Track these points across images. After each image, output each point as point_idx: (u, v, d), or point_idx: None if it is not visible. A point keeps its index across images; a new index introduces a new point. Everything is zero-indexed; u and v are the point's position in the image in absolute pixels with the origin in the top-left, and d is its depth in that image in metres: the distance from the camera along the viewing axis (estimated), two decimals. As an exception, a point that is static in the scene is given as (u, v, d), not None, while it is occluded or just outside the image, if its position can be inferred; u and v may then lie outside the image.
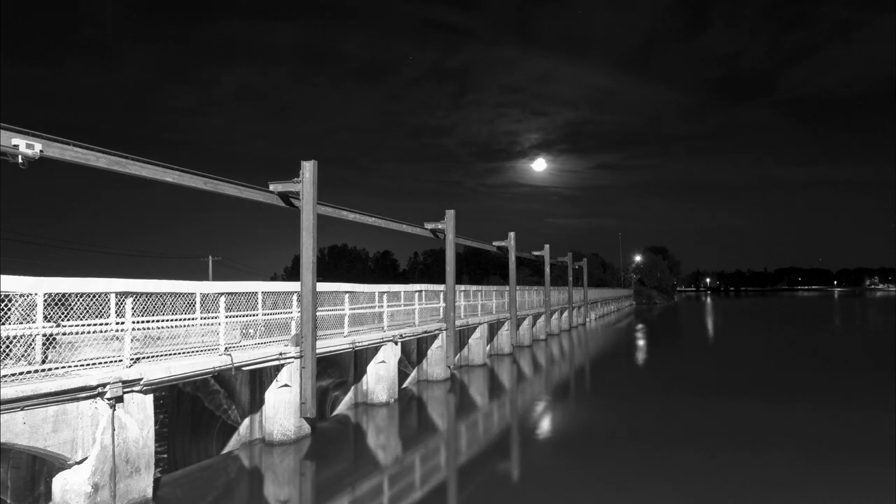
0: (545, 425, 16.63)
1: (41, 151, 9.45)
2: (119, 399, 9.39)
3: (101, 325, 9.71)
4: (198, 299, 11.85)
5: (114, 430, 9.32)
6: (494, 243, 33.97)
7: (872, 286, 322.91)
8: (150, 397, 10.08)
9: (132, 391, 9.65)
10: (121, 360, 9.84)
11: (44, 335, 8.96)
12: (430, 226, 24.24)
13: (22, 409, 8.12)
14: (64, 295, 9.16)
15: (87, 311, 9.51)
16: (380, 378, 18.46)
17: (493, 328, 32.04)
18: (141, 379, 9.76)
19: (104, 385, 9.11)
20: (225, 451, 13.39)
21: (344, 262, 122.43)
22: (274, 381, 13.93)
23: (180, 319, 11.53)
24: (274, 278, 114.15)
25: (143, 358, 10.50)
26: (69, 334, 9.34)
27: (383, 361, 18.46)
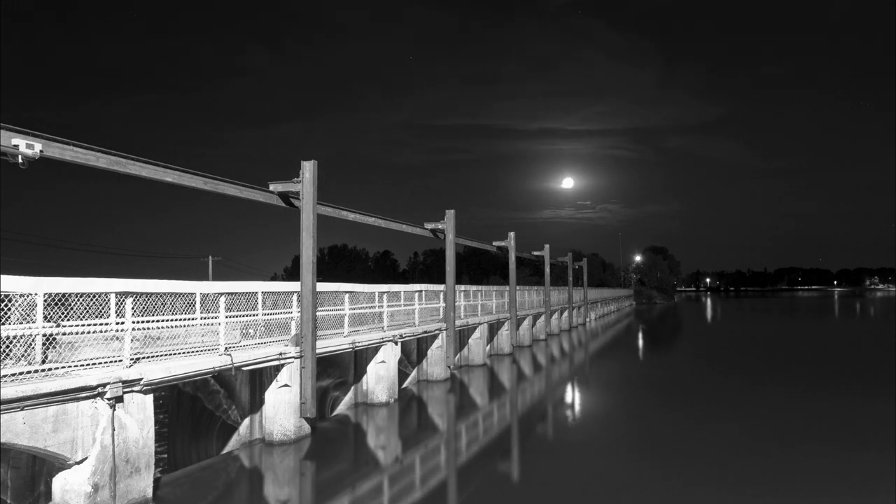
0: (545, 425, 16.64)
1: (41, 151, 9.45)
2: (119, 399, 9.39)
3: (101, 325, 9.71)
4: (198, 299, 11.84)
5: (114, 430, 9.32)
6: (494, 243, 33.97)
7: (872, 286, 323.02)
8: (150, 397, 10.08)
9: (132, 391, 9.65)
10: (121, 360, 9.83)
11: (44, 335, 8.96)
12: (430, 226, 24.24)
13: (22, 409, 8.11)
14: (64, 295, 9.16)
15: (87, 311, 9.51)
16: (380, 378, 18.46)
17: (493, 328, 32.03)
18: (141, 379, 9.76)
19: (104, 385, 9.11)
20: (225, 451, 13.38)
21: (344, 262, 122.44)
22: (274, 381, 13.92)
23: (180, 319, 11.53)
24: (274, 278, 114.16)
25: (143, 358, 10.50)
26: (69, 334, 9.34)
27: (383, 361, 18.45)
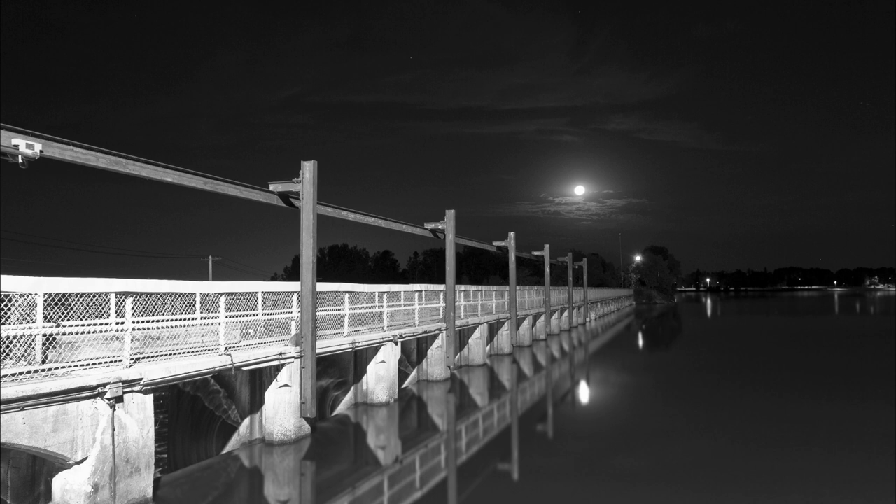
0: (545, 425, 16.63)
1: (41, 151, 9.45)
2: (119, 399, 9.39)
3: (101, 325, 9.71)
4: (198, 299, 11.85)
5: (114, 430, 9.32)
6: (494, 243, 33.97)
7: (872, 286, 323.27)
8: (150, 397, 10.08)
9: (132, 391, 9.65)
10: (121, 360, 9.84)
11: (44, 335, 8.96)
12: (430, 226, 24.23)
13: (22, 409, 8.11)
14: (64, 295, 9.16)
15: (87, 311, 9.51)
16: (380, 378, 18.46)
17: (493, 328, 32.04)
18: (141, 379, 9.76)
19: (104, 385, 9.11)
20: (225, 451, 13.38)
21: (344, 262, 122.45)
22: (274, 381, 13.92)
23: (180, 319, 11.54)
24: (274, 278, 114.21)
25: (143, 358, 10.50)
26: (69, 334, 9.35)
27: (383, 361, 18.45)
